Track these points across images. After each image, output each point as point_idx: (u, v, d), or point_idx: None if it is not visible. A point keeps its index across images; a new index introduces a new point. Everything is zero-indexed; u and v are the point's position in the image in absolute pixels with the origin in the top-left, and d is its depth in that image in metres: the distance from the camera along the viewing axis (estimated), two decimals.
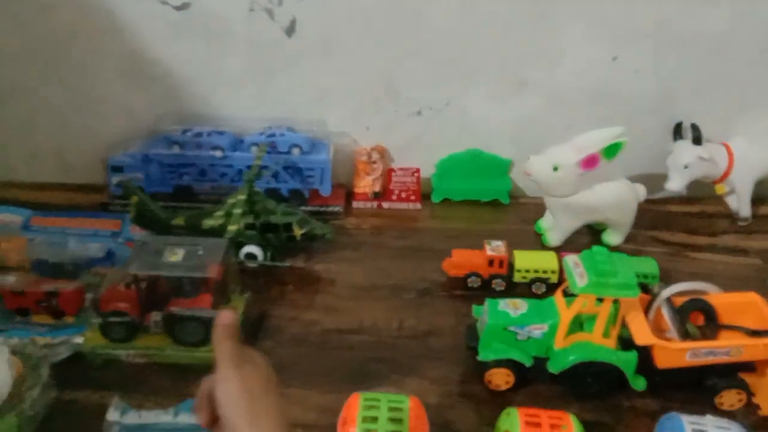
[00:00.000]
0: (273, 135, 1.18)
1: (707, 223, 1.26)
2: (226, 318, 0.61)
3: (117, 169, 1.19)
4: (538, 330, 0.86)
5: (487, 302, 0.89)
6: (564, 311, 0.86)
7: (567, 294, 0.88)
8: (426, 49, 1.16)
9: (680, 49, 1.17)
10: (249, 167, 1.18)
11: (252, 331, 0.97)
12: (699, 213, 1.28)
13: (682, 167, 1.18)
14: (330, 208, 1.23)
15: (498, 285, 1.06)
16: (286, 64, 1.18)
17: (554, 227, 1.16)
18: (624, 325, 0.87)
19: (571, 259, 0.86)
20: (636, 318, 0.87)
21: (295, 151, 1.19)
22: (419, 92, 1.22)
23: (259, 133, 1.19)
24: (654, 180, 1.21)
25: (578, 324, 0.89)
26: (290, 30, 1.14)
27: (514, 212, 1.28)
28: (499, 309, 0.88)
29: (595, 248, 0.86)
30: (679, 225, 1.25)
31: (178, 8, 1.12)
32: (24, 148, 1.29)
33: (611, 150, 1.04)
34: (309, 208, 1.21)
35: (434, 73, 1.19)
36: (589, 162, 1.05)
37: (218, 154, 1.18)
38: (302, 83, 1.20)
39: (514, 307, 0.88)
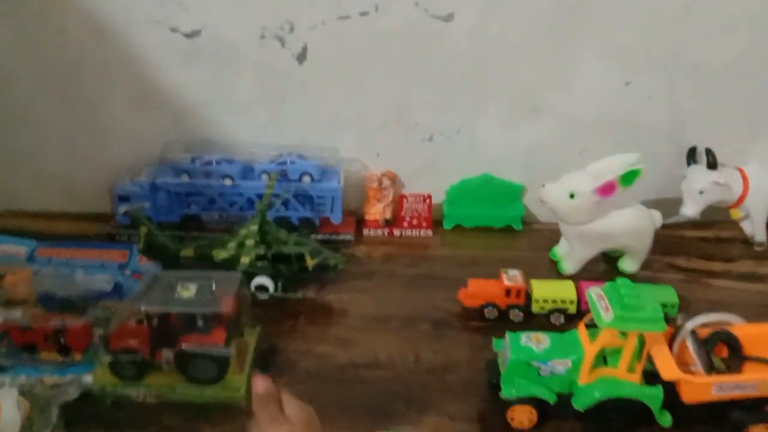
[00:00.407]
0: (284, 163, 1.17)
1: (722, 249, 1.24)
2: (259, 387, 0.62)
3: (124, 198, 1.17)
4: (561, 365, 0.84)
5: (509, 336, 0.87)
6: (588, 346, 0.84)
7: (588, 325, 0.86)
8: (438, 74, 1.15)
9: (693, 74, 1.16)
10: (259, 196, 1.16)
11: (263, 366, 0.95)
12: (714, 238, 1.27)
13: (698, 192, 1.17)
14: (341, 237, 1.22)
15: (516, 316, 1.03)
16: (296, 90, 1.16)
17: (570, 255, 1.14)
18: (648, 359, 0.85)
19: (594, 292, 0.84)
20: (661, 351, 0.85)
21: (306, 179, 1.17)
22: (431, 118, 1.21)
23: (270, 160, 1.18)
24: (667, 204, 1.20)
25: (601, 357, 0.87)
26: (301, 57, 1.12)
27: (528, 239, 1.26)
28: (521, 343, 0.86)
29: (620, 280, 0.84)
30: (694, 250, 1.23)
31: (188, 36, 1.11)
32: (30, 175, 1.27)
33: (628, 177, 1.03)
34: (319, 237, 1.19)
35: (446, 99, 1.18)
36: (606, 189, 1.04)
37: (228, 182, 1.16)
38: (313, 110, 1.19)
39: (537, 341, 0.86)
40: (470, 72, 1.15)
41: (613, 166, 1.04)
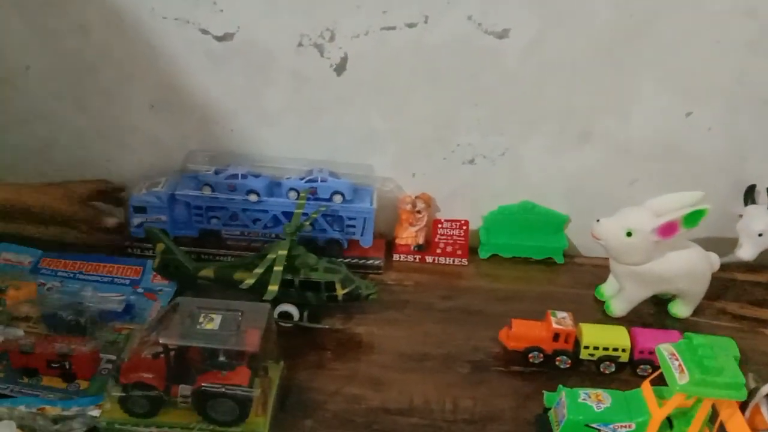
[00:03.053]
0: (314, 180, 1.08)
1: None
2: None
3: (139, 209, 1.08)
4: (623, 428, 0.76)
5: (565, 392, 0.79)
6: (655, 409, 0.75)
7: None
8: (486, 93, 1.07)
9: (759, 107, 1.08)
10: (285, 214, 1.08)
11: (287, 405, 0.86)
12: (767, 283, 1.19)
13: (756, 235, 1.09)
14: (370, 261, 1.13)
15: (563, 362, 0.95)
16: (332, 103, 1.08)
17: (619, 296, 1.06)
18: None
19: (665, 350, 0.76)
20: (733, 417, 0.76)
21: (337, 198, 1.08)
22: (474, 138, 1.12)
23: (299, 177, 1.09)
24: (718, 244, 1.11)
25: (666, 420, 0.78)
26: (340, 68, 1.04)
27: (569, 273, 1.18)
28: (579, 401, 0.77)
29: (695, 338, 0.75)
30: (747, 296, 1.15)
31: (219, 39, 1.02)
32: (39, 177, 1.17)
33: (692, 217, 0.94)
34: (347, 260, 1.11)
35: (492, 119, 1.10)
36: (668, 229, 0.95)
37: (253, 198, 1.07)
38: (347, 124, 1.10)
39: (597, 400, 0.77)
40: (520, 92, 1.07)
41: (676, 204, 0.96)
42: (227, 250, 1.12)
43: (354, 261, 1.12)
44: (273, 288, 0.90)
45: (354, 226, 1.11)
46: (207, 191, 1.08)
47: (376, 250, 1.15)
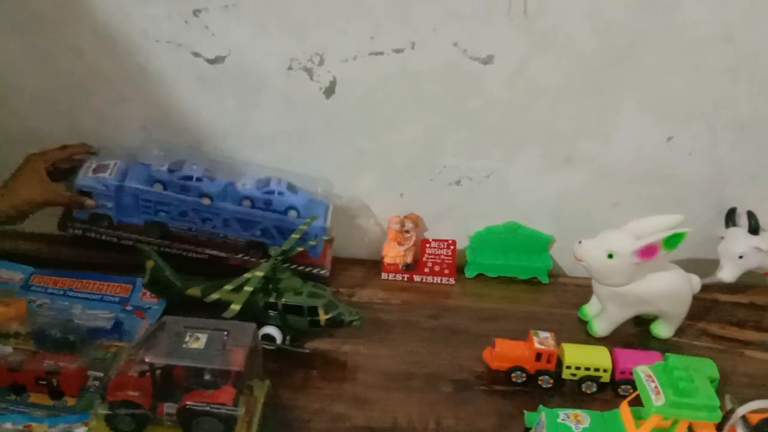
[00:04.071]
0: (271, 192, 1.07)
1: (758, 316, 1.18)
2: None
3: (84, 194, 1.05)
4: None
5: (545, 413, 0.80)
6: (632, 430, 0.77)
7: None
8: (471, 117, 1.09)
9: (738, 132, 1.11)
10: (237, 220, 1.06)
11: (271, 423, 0.87)
12: (748, 304, 1.20)
13: (737, 257, 1.11)
14: (316, 270, 1.13)
15: (545, 382, 0.96)
16: (321, 125, 1.10)
17: (602, 316, 1.07)
18: None
19: (642, 372, 0.77)
20: None
21: (292, 213, 1.08)
22: (460, 161, 1.14)
23: (256, 186, 1.08)
24: (700, 265, 1.14)
25: None
26: (329, 91, 1.06)
27: (554, 293, 1.19)
28: (558, 422, 0.79)
29: (672, 360, 0.77)
30: (728, 316, 1.17)
31: (211, 61, 1.04)
32: None
33: (672, 240, 0.97)
34: (293, 266, 1.10)
35: (478, 142, 1.12)
36: (648, 252, 0.97)
37: (206, 202, 1.05)
38: (336, 146, 1.12)
39: (576, 420, 0.79)
40: (505, 116, 1.09)
41: (656, 227, 0.98)
42: (172, 242, 1.09)
43: (302, 269, 1.12)
44: (235, 306, 0.90)
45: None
46: (158, 188, 1.05)
47: (323, 260, 1.14)
